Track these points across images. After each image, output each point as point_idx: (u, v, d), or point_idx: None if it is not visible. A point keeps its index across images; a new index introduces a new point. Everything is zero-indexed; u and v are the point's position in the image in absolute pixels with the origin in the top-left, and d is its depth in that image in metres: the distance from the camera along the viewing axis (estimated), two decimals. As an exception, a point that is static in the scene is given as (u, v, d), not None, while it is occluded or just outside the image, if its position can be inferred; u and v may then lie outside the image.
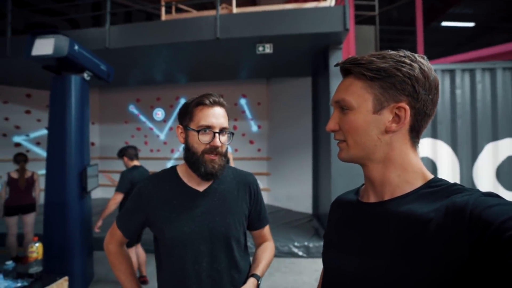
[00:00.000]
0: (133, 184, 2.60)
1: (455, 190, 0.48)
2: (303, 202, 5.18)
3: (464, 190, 0.48)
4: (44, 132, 5.85)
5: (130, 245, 2.70)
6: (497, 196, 0.44)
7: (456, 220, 0.43)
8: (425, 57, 0.53)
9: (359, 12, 4.85)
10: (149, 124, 6.47)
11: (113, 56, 3.78)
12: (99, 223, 2.58)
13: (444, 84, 3.28)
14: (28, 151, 5.65)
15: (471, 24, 5.22)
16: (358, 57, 0.54)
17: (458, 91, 3.25)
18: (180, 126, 0.92)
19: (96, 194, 6.14)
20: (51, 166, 2.60)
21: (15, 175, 3.29)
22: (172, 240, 0.87)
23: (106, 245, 1.00)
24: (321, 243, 3.72)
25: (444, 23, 5.40)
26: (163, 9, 4.01)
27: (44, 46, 2.35)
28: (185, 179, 0.93)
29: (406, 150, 0.54)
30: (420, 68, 0.51)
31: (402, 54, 0.52)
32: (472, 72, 3.23)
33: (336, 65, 0.59)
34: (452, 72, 3.26)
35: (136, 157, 2.89)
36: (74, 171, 2.60)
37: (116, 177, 2.78)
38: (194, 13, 4.20)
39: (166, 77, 5.55)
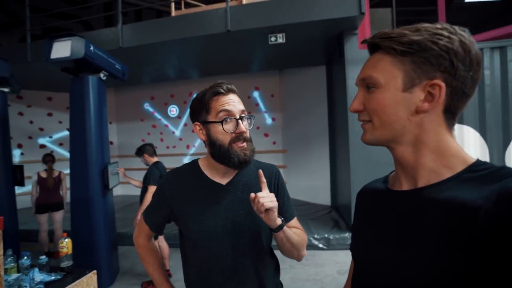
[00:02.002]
0: (161, 177, 2.70)
1: (506, 174, 0.42)
2: (322, 194, 5.11)
3: None
4: (66, 133, 6.09)
5: (154, 238, 2.78)
6: None
7: (511, 208, 0.38)
8: (467, 30, 0.47)
9: (374, -5, 4.62)
10: (164, 121, 6.57)
11: (127, 55, 3.83)
12: (139, 217, 2.68)
13: (470, 65, 3.07)
14: (52, 152, 5.91)
15: (498, -1, 4.85)
16: (388, 31, 0.50)
17: (486, 72, 3.04)
18: (198, 123, 0.88)
19: (117, 191, 6.36)
20: (74, 165, 2.69)
21: (43, 175, 3.45)
22: (197, 234, 0.87)
23: (135, 238, 1.03)
24: (342, 235, 3.67)
25: (468, 0, 5.05)
26: (172, 5, 3.99)
27: (61, 49, 2.41)
28: (207, 173, 0.92)
29: (441, 132, 0.49)
30: (460, 41, 0.45)
31: (439, 26, 0.47)
32: (502, 49, 3.00)
33: (364, 41, 0.54)
34: (480, 51, 3.04)
35: (155, 153, 2.97)
36: (96, 169, 2.68)
37: (132, 175, 2.86)
38: (204, 7, 4.16)
39: (179, 73, 5.57)
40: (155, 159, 2.94)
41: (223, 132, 0.83)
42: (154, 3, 6.59)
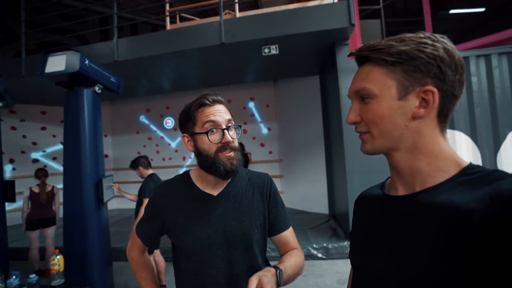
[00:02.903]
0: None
1: (498, 177, 0.43)
2: (319, 203, 5.09)
3: (508, 175, 0.43)
4: (60, 147, 6.02)
5: (149, 252, 2.72)
6: None
7: (505, 210, 0.39)
8: (446, 37, 0.50)
9: (363, 7, 4.78)
10: (160, 133, 6.56)
11: (122, 68, 3.86)
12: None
13: (458, 73, 3.16)
14: (45, 166, 5.82)
15: (481, 9, 5.05)
16: (375, 43, 0.51)
17: (473, 79, 3.14)
18: (186, 135, 0.89)
19: (112, 205, 6.26)
20: (68, 179, 2.65)
21: (36, 190, 3.38)
22: (189, 246, 0.86)
23: (128, 252, 1.01)
24: (340, 244, 3.63)
25: (453, 11, 5.25)
26: (167, 19, 4.07)
27: (56, 63, 2.42)
28: (199, 184, 0.92)
29: (435, 136, 0.50)
30: (444, 48, 0.48)
31: (422, 36, 0.49)
32: (487, 57, 3.11)
33: (351, 54, 0.55)
34: (465, 60, 3.15)
35: (150, 165, 2.94)
36: (90, 183, 2.64)
37: (128, 188, 2.82)
38: (198, 21, 4.25)
39: (174, 86, 5.62)
40: (150, 171, 2.92)
41: (208, 143, 0.84)
42: (149, 17, 6.70)
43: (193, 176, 0.94)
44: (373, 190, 0.64)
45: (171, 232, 0.90)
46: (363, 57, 0.54)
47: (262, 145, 6.01)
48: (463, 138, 3.12)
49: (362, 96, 0.52)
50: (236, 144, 0.87)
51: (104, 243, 2.76)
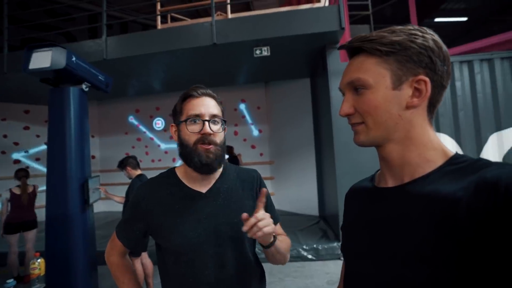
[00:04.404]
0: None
1: (482, 165, 0.44)
2: (309, 204, 5.12)
3: (491, 164, 0.44)
4: (44, 147, 5.82)
5: (136, 254, 2.65)
6: None
7: (490, 197, 0.39)
8: (431, 30, 0.52)
9: (353, 12, 4.89)
10: (150, 134, 6.45)
11: (111, 67, 3.78)
12: None
13: (443, 77, 3.27)
14: (27, 167, 5.60)
15: (464, 19, 5.25)
16: (366, 35, 0.52)
17: (457, 84, 3.25)
18: (173, 125, 0.90)
19: (99, 207, 6.08)
20: (51, 180, 2.56)
21: (17, 191, 3.24)
22: (178, 247, 0.82)
23: (107, 256, 0.95)
24: (330, 245, 3.65)
25: (438, 19, 5.44)
26: (158, 19, 4.03)
27: (41, 59, 2.34)
28: (186, 181, 0.88)
29: (425, 126, 0.51)
30: (433, 39, 0.49)
31: (411, 28, 0.51)
32: (470, 63, 3.23)
33: (342, 46, 0.56)
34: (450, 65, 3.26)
35: (138, 166, 2.88)
36: (76, 184, 2.55)
37: (115, 189, 2.75)
38: (190, 21, 4.22)
39: (165, 86, 5.55)
40: (139, 172, 2.86)
41: (187, 133, 0.83)
42: (139, 16, 6.62)
43: (179, 173, 0.91)
44: (363, 182, 0.64)
45: (157, 233, 0.86)
46: (354, 49, 0.54)
47: (253, 147, 6.01)
48: (448, 140, 3.22)
49: (355, 87, 0.52)
50: (218, 139, 0.84)
51: (89, 246, 2.67)
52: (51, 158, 2.59)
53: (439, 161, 0.50)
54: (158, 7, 4.04)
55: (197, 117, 0.82)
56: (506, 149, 3.11)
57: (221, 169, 0.92)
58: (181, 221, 0.83)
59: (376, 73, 0.51)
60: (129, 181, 2.82)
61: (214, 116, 0.84)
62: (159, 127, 6.39)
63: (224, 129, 0.87)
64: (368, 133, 0.52)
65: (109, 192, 2.99)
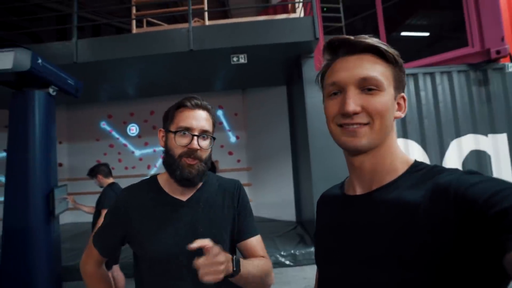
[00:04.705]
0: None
1: (437, 172, 0.47)
2: (287, 210, 5.17)
3: (444, 170, 0.47)
4: (3, 154, 5.37)
5: (107, 268, 2.51)
6: (477, 173, 0.44)
7: (442, 202, 0.42)
8: None
9: (327, 24, 5.11)
10: (123, 141, 6.19)
11: (82, 70, 3.62)
12: None
13: (409, 87, 3.51)
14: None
15: (426, 34, 5.70)
16: (371, 37, 0.51)
17: (422, 93, 3.49)
18: (162, 130, 0.89)
19: (66, 219, 5.68)
20: (11, 190, 2.36)
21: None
22: (154, 255, 0.81)
23: (82, 266, 0.92)
24: (307, 250, 3.70)
25: (403, 33, 5.83)
26: (133, 23, 3.94)
27: (2, 61, 2.18)
28: (167, 189, 0.88)
29: (395, 137, 0.54)
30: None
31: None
32: (432, 75, 3.50)
33: (353, 40, 0.51)
34: (415, 76, 3.51)
35: (110, 174, 2.75)
36: (39, 194, 2.38)
37: (85, 199, 2.61)
38: (166, 26, 4.17)
39: (140, 91, 5.39)
40: (111, 180, 2.72)
41: (175, 144, 0.82)
42: (113, 19, 6.42)
43: (161, 180, 0.90)
44: (333, 190, 0.66)
45: (134, 241, 0.84)
46: (366, 47, 0.51)
47: (230, 153, 5.99)
48: (415, 146, 3.44)
49: (367, 86, 0.49)
50: (204, 155, 0.84)
51: (53, 261, 2.49)
52: (11, 166, 2.40)
53: (402, 169, 0.52)
54: (134, 11, 3.96)
55: (187, 130, 0.81)
56: (464, 154, 3.38)
57: None
58: (160, 229, 0.82)
59: (386, 78, 0.50)
60: (100, 190, 2.68)
61: (204, 131, 0.83)
62: (133, 133, 6.17)
63: (212, 144, 0.87)
64: (371, 136, 0.50)
65: (78, 202, 2.82)
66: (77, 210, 2.81)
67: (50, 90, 2.51)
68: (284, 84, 5.25)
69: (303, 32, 3.33)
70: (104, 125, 6.22)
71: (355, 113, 0.49)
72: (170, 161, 0.83)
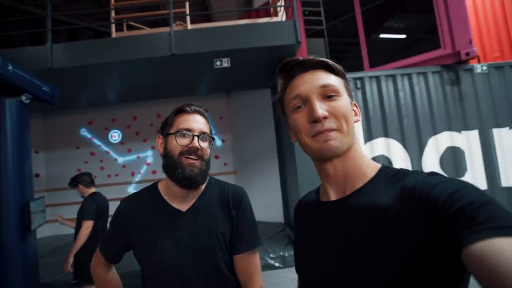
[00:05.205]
0: (98, 210, 2.45)
1: (403, 175, 0.50)
2: (275, 212, 5.18)
3: (410, 173, 0.50)
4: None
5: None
6: (438, 174, 0.47)
7: (409, 203, 0.44)
8: None
9: (309, 27, 5.21)
10: (105, 148, 6.00)
11: (59, 76, 3.48)
12: (70, 261, 2.32)
13: (389, 88, 3.62)
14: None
15: (403, 36, 5.93)
16: (319, 58, 0.57)
17: (401, 94, 3.62)
18: (161, 136, 0.89)
19: (44, 232, 5.41)
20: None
21: None
22: (155, 266, 0.81)
23: (92, 269, 0.94)
24: (296, 251, 3.74)
25: (382, 35, 6.04)
26: (113, 26, 3.84)
27: (-31, 68, 2.06)
28: (167, 197, 0.87)
29: (359, 142, 0.57)
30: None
31: None
32: (409, 76, 3.64)
33: (305, 60, 0.57)
34: (394, 77, 3.63)
35: (92, 183, 2.66)
36: (13, 208, 2.26)
37: (64, 211, 2.50)
38: (147, 30, 4.10)
39: (121, 97, 5.25)
40: (93, 189, 2.62)
41: (175, 145, 0.82)
42: (91, 23, 6.22)
43: (161, 188, 0.90)
44: (309, 196, 0.67)
45: (137, 250, 0.86)
46: (310, 65, 0.57)
47: (217, 157, 5.94)
48: (396, 144, 3.55)
49: (327, 94, 0.54)
50: (205, 155, 0.85)
51: (30, 279, 2.36)
52: (-19, 179, 2.26)
53: (372, 173, 0.54)
54: (113, 14, 3.86)
55: (188, 131, 0.83)
56: (441, 150, 3.53)
57: (203, 186, 0.90)
58: (159, 239, 0.82)
59: (341, 85, 0.56)
60: (81, 199, 2.58)
61: (203, 133, 0.85)
62: (115, 140, 5.99)
63: (211, 146, 0.88)
64: (343, 140, 0.52)
65: (61, 215, 2.70)
66: (56, 221, 2.68)
67: (23, 98, 2.39)
68: (269, 87, 5.28)
69: (285, 35, 3.37)
70: (84, 132, 6.01)
71: (325, 117, 0.52)
72: (170, 162, 0.83)
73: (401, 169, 0.53)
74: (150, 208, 0.86)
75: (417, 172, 0.49)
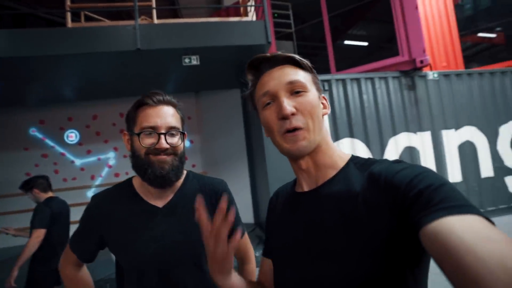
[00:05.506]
0: (53, 217, 2.21)
1: (371, 164, 0.52)
2: (245, 212, 5.16)
3: (376, 161, 0.52)
4: None
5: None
6: (402, 162, 0.49)
7: (376, 190, 0.46)
8: None
9: (278, 29, 5.30)
10: (60, 149, 5.47)
11: (1, 68, 3.08)
12: (15, 273, 2.05)
13: (354, 90, 3.82)
14: None
15: (365, 43, 6.33)
16: (288, 53, 0.58)
17: (364, 96, 3.83)
18: (126, 133, 0.81)
19: (-15, 244, 4.77)
20: None
21: None
22: (131, 264, 0.77)
23: (61, 269, 0.87)
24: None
25: (347, 42, 6.38)
26: (69, 15, 3.51)
27: None
28: (142, 194, 0.82)
29: (328, 132, 0.59)
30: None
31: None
32: (372, 80, 3.87)
33: (274, 55, 0.58)
34: (358, 81, 3.84)
35: (49, 188, 2.39)
36: None
37: (11, 220, 2.22)
38: (108, 22, 3.82)
39: (79, 94, 4.83)
40: (49, 194, 2.35)
41: (140, 146, 0.76)
42: (39, 9, 5.63)
43: (136, 184, 0.83)
44: (286, 187, 0.69)
45: (112, 248, 0.80)
46: (278, 61, 0.58)
47: (185, 158, 5.77)
48: (360, 144, 3.75)
49: (294, 90, 0.54)
50: (178, 150, 0.80)
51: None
52: None
53: (342, 163, 0.56)
54: (68, 2, 3.53)
55: (152, 130, 0.75)
56: (400, 150, 3.81)
57: (181, 181, 0.86)
58: (135, 238, 0.77)
59: (308, 80, 0.57)
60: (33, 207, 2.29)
61: (171, 128, 0.77)
62: (72, 141, 5.49)
63: (183, 140, 0.82)
64: (310, 138, 0.53)
65: (11, 227, 2.38)
66: (1, 233, 2.36)
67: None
68: (238, 86, 5.26)
69: (255, 35, 3.37)
70: (34, 132, 5.42)
71: (293, 114, 0.53)
72: (138, 162, 0.77)
73: (369, 158, 0.55)
74: (125, 205, 0.81)
75: (383, 160, 0.52)
